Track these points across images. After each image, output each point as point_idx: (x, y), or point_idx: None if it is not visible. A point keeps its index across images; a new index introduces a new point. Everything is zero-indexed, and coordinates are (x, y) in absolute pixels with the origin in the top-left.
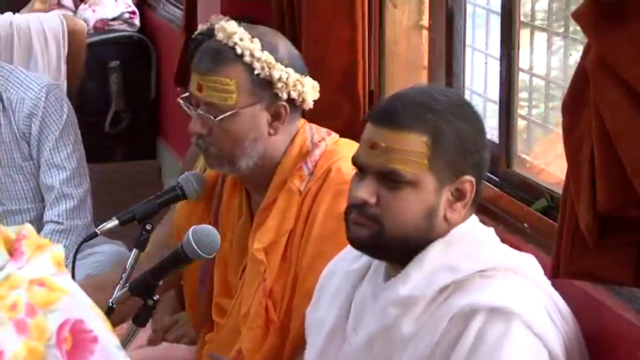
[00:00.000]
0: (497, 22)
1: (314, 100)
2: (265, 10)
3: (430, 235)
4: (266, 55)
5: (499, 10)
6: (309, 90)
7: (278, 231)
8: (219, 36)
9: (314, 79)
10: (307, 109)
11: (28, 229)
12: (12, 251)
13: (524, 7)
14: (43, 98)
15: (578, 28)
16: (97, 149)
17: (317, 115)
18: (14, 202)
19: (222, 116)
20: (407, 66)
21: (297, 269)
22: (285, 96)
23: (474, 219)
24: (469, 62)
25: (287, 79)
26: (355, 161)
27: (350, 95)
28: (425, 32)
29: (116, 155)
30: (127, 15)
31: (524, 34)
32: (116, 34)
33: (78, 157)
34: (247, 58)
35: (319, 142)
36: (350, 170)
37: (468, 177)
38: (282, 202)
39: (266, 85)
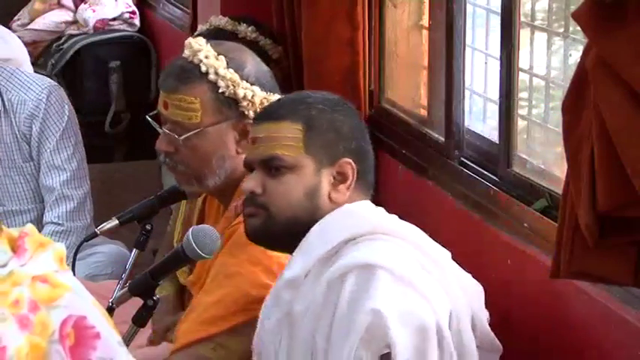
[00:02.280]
0: (498, 22)
1: None
2: (265, 10)
3: (317, 216)
4: (231, 73)
5: (499, 10)
6: None
7: (203, 267)
8: (185, 53)
9: (314, 79)
10: None
11: (30, 228)
12: (15, 248)
13: (524, 7)
14: (44, 99)
15: (578, 28)
16: (97, 149)
17: None
18: (15, 203)
19: (186, 135)
20: (407, 66)
21: None
22: (252, 114)
23: (363, 203)
24: (469, 62)
25: (252, 97)
26: (244, 163)
27: (350, 95)
28: (425, 32)
29: (116, 155)
30: (127, 15)
31: (524, 34)
32: (116, 34)
33: (78, 158)
34: (212, 76)
35: None
36: None
37: (346, 159)
38: None
39: (231, 104)
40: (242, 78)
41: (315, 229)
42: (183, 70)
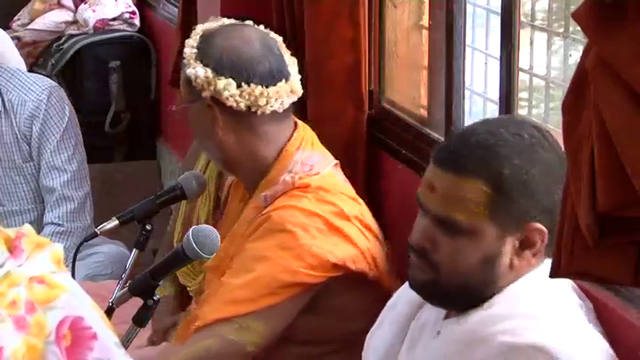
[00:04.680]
0: (497, 22)
1: (318, 101)
2: (265, 10)
3: (493, 284)
4: (190, 52)
5: (499, 10)
6: (228, 92)
7: (226, 253)
8: None
9: (316, 79)
10: (259, 113)
11: (27, 228)
12: (12, 249)
13: (524, 7)
14: (44, 100)
15: (578, 28)
16: (97, 149)
17: (321, 116)
18: (15, 203)
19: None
20: (407, 66)
21: None
22: (206, 95)
23: (543, 267)
24: (469, 62)
25: (196, 79)
26: (416, 198)
27: (353, 95)
28: (425, 32)
29: (116, 155)
30: (127, 15)
31: (524, 34)
32: (116, 34)
33: (79, 159)
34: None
35: (292, 177)
36: (295, 220)
37: (536, 225)
38: (237, 225)
39: (191, 83)
40: (196, 58)
41: (501, 310)
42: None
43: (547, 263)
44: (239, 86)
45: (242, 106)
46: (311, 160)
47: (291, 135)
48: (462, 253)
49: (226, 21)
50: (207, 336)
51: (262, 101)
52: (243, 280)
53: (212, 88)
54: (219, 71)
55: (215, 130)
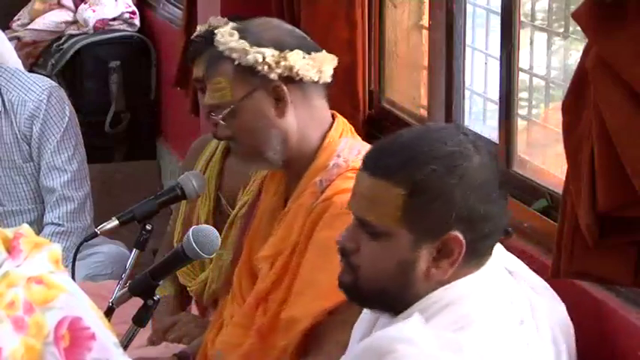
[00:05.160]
0: (498, 22)
1: None
2: (265, 10)
3: (408, 291)
4: (240, 43)
5: (499, 10)
6: (300, 63)
7: (283, 242)
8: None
9: None
10: (320, 82)
11: (26, 228)
12: (10, 249)
13: (524, 7)
14: (44, 100)
15: (578, 28)
16: (97, 149)
17: None
18: (15, 203)
19: (223, 112)
20: (407, 66)
21: (294, 283)
22: (274, 76)
23: (471, 280)
24: (469, 62)
25: (264, 59)
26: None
27: (350, 96)
28: (425, 32)
29: (116, 155)
30: (127, 15)
31: (524, 34)
32: (116, 34)
33: (79, 159)
34: (226, 52)
35: (344, 160)
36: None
37: (454, 233)
38: (292, 213)
39: (252, 71)
40: (252, 44)
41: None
42: (210, 57)
43: (487, 271)
44: (303, 57)
45: (311, 74)
46: (356, 147)
47: (331, 123)
48: (379, 257)
49: (215, 21)
50: (328, 350)
51: (324, 66)
52: (328, 272)
53: (283, 63)
54: (281, 47)
55: (282, 111)
